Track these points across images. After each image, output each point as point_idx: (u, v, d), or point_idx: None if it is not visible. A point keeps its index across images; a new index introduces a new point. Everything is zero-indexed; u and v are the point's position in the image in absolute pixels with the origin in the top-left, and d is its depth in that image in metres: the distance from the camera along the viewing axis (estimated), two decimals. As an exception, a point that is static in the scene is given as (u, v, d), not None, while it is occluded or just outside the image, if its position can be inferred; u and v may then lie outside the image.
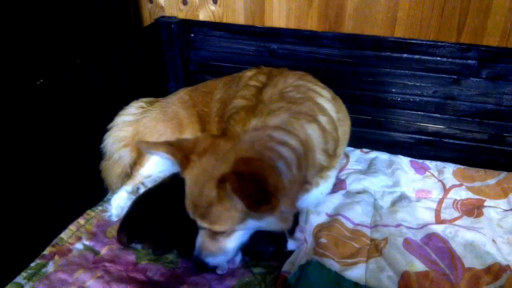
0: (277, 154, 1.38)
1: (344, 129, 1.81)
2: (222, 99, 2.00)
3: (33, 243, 1.66)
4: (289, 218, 1.45)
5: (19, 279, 1.53)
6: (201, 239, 1.47)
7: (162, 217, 1.69)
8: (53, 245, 1.70)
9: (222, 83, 2.08)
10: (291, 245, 1.62)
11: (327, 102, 1.69)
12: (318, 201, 1.86)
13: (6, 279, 1.52)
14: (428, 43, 2.09)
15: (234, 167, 1.30)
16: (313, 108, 1.60)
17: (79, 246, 1.71)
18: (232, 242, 1.47)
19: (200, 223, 1.41)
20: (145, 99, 2.18)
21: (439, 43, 2.08)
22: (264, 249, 1.62)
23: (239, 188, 1.22)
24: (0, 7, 1.61)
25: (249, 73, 1.91)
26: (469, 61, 2.07)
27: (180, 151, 1.43)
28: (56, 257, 1.65)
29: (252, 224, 1.40)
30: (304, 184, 1.55)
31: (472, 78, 2.10)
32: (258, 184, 1.25)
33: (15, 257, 1.58)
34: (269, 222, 1.41)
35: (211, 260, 1.48)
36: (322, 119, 1.61)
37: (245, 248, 1.60)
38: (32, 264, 1.60)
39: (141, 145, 1.51)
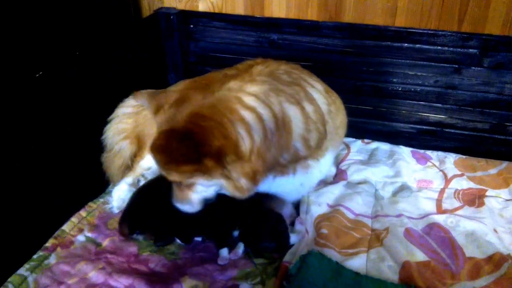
0: (238, 117, 1.37)
1: (336, 124, 1.77)
2: None
3: (35, 235, 1.66)
4: (245, 188, 1.43)
5: (22, 270, 1.54)
6: (173, 186, 1.54)
7: (162, 208, 1.69)
8: (55, 237, 1.70)
9: (221, 75, 2.07)
10: (293, 238, 1.62)
11: (317, 92, 1.66)
12: (298, 192, 1.83)
13: (9, 270, 1.53)
14: (429, 32, 2.08)
15: (184, 121, 1.34)
16: (300, 93, 1.58)
17: (81, 238, 1.72)
18: (195, 194, 1.50)
19: (162, 171, 1.46)
20: (144, 91, 2.17)
21: (440, 32, 2.07)
22: (267, 245, 1.62)
23: (160, 146, 1.30)
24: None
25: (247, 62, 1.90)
26: (470, 50, 2.06)
27: (155, 99, 1.51)
28: (58, 249, 1.66)
29: (205, 182, 1.43)
30: (274, 164, 1.53)
31: (473, 67, 2.09)
32: (188, 143, 1.28)
33: (18, 249, 1.58)
34: (219, 184, 1.45)
35: (181, 206, 1.55)
36: (308, 107, 1.58)
37: (249, 243, 1.62)
38: (35, 256, 1.61)
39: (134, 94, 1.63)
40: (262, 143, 1.40)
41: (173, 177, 1.44)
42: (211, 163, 1.33)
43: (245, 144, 1.36)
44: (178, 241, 1.68)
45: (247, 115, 1.38)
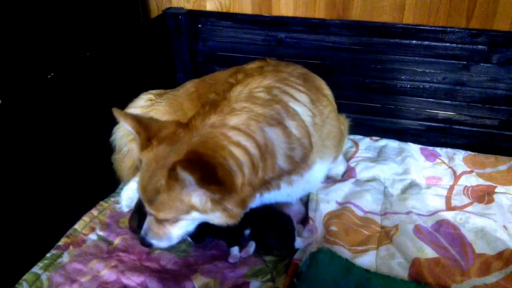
0: (228, 153, 1.37)
1: (322, 135, 1.70)
2: None
3: (48, 234, 1.69)
4: (237, 214, 1.44)
5: (36, 269, 1.57)
6: (149, 222, 1.50)
7: None
8: (68, 236, 1.73)
9: (228, 75, 2.08)
10: (298, 242, 1.62)
11: (301, 106, 1.61)
12: (287, 200, 1.78)
13: (23, 269, 1.56)
14: (438, 29, 2.07)
15: (184, 158, 1.32)
16: (280, 111, 1.53)
17: (93, 236, 1.74)
18: (177, 229, 1.49)
19: (147, 208, 1.44)
20: (154, 91, 2.19)
21: (449, 29, 2.06)
22: (273, 244, 1.63)
23: (190, 167, 1.23)
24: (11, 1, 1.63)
25: (252, 65, 1.90)
26: (479, 46, 2.05)
27: (145, 130, 1.44)
28: (71, 247, 1.68)
29: (197, 216, 1.42)
30: (260, 186, 1.52)
31: (482, 64, 2.08)
32: (208, 168, 1.28)
33: (32, 248, 1.61)
34: (214, 217, 1.42)
35: (156, 243, 1.51)
36: (290, 123, 1.54)
37: (258, 241, 1.63)
38: (48, 255, 1.63)
39: (114, 112, 1.49)
40: (250, 173, 1.42)
41: (170, 211, 1.39)
42: (228, 185, 1.33)
43: (239, 178, 1.38)
44: (189, 239, 1.70)
45: (235, 150, 1.38)
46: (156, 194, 1.36)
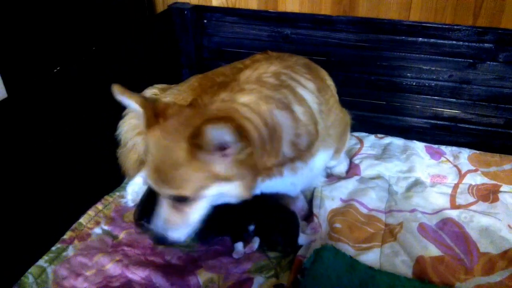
0: (241, 126, 1.30)
1: (327, 124, 1.69)
2: None
3: (53, 228, 1.70)
4: (251, 187, 1.42)
5: (41, 262, 1.58)
6: (163, 209, 1.40)
7: None
8: (73, 229, 1.73)
9: (230, 69, 2.08)
10: (302, 240, 1.61)
11: (308, 92, 1.61)
12: (290, 190, 1.78)
13: (29, 262, 1.56)
14: (444, 26, 2.06)
15: (210, 118, 1.24)
16: (288, 96, 1.52)
17: (97, 230, 1.75)
18: (196, 212, 1.41)
19: (163, 190, 1.36)
20: (158, 86, 2.19)
21: (455, 27, 2.05)
22: (277, 240, 1.63)
23: (221, 121, 1.17)
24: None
25: (253, 58, 1.90)
26: (485, 44, 2.04)
27: (151, 107, 1.37)
28: (76, 241, 1.69)
29: (216, 189, 1.36)
30: (263, 171, 1.49)
31: (488, 62, 2.07)
32: (237, 122, 1.23)
33: (37, 242, 1.62)
34: (234, 187, 1.37)
35: (173, 233, 1.41)
36: (298, 109, 1.53)
37: (262, 237, 1.63)
38: (53, 248, 1.64)
39: (114, 89, 1.38)
40: (259, 152, 1.39)
41: (191, 185, 1.31)
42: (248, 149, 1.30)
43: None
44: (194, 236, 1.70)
45: (248, 125, 1.35)
46: (175, 169, 1.29)
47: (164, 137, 1.33)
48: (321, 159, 1.74)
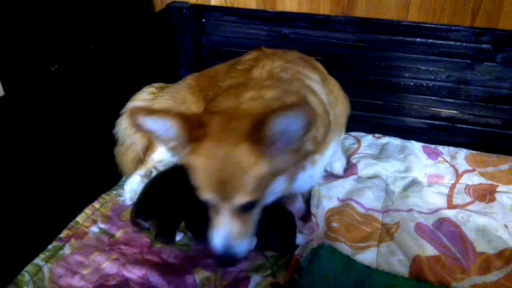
0: None
1: (336, 113, 1.71)
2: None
3: (50, 226, 1.69)
4: (294, 180, 1.44)
5: (38, 260, 1.57)
6: (226, 224, 1.32)
7: (168, 202, 1.72)
8: (69, 228, 1.73)
9: (226, 67, 2.08)
10: (299, 240, 1.61)
11: (316, 84, 1.62)
12: (308, 183, 1.80)
13: (25, 260, 1.56)
14: (442, 27, 2.07)
15: (271, 109, 1.19)
16: (302, 88, 1.53)
17: (94, 229, 1.74)
18: (255, 217, 1.38)
19: (234, 201, 1.28)
20: (156, 84, 2.19)
21: (453, 27, 2.06)
22: (274, 241, 1.63)
23: (286, 108, 1.13)
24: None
25: (248, 56, 1.90)
26: (483, 45, 2.05)
27: (189, 123, 1.27)
28: (72, 239, 1.68)
29: (274, 186, 1.34)
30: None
31: (486, 63, 2.08)
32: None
33: (34, 240, 1.61)
34: (282, 181, 1.37)
35: (240, 248, 1.35)
36: (312, 100, 1.53)
37: (259, 237, 1.62)
38: (50, 247, 1.64)
39: (137, 114, 1.23)
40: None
41: (258, 188, 1.27)
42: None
43: None
44: (190, 234, 1.70)
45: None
46: (242, 175, 1.24)
47: (218, 147, 1.25)
48: (332, 148, 1.77)
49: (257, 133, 1.19)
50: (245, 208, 1.32)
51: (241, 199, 1.28)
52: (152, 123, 1.26)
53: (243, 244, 1.38)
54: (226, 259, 1.36)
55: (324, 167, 1.88)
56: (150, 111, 1.27)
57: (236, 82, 1.52)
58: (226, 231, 1.33)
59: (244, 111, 1.32)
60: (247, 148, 1.22)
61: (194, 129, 1.27)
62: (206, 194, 1.31)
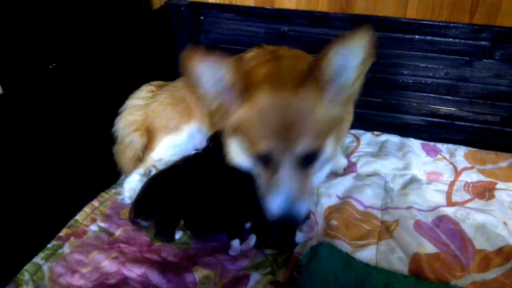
0: None
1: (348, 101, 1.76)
2: None
3: (49, 225, 1.69)
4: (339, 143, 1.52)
5: (37, 259, 1.57)
6: (289, 181, 1.24)
7: (168, 201, 1.72)
8: (69, 226, 1.73)
9: None
10: (299, 238, 1.61)
11: None
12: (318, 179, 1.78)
13: (25, 259, 1.56)
14: (441, 24, 2.06)
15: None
16: None
17: (94, 227, 1.74)
18: (313, 176, 1.34)
19: (291, 148, 1.24)
20: (155, 83, 2.19)
21: (452, 24, 2.05)
22: (274, 238, 1.63)
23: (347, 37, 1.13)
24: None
25: (250, 53, 1.89)
26: (482, 42, 2.04)
27: (243, 72, 1.26)
28: (72, 238, 1.68)
29: (329, 143, 1.34)
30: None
31: (485, 60, 2.07)
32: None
33: (33, 239, 1.61)
34: (331, 142, 1.37)
35: (302, 210, 1.27)
36: None
37: (259, 235, 1.63)
38: (49, 245, 1.63)
39: (188, 56, 1.20)
40: None
41: (321, 133, 1.26)
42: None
43: None
44: (189, 232, 1.70)
45: None
46: (302, 121, 1.22)
47: (276, 92, 1.23)
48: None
49: (315, 73, 1.17)
50: (306, 161, 1.27)
51: (305, 144, 1.23)
52: (206, 69, 1.21)
53: (304, 206, 1.29)
54: (287, 222, 1.28)
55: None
56: (206, 55, 1.20)
57: (269, 57, 1.53)
58: (288, 188, 1.25)
59: (288, 66, 1.34)
60: (307, 90, 1.21)
61: (247, 79, 1.24)
62: (266, 146, 1.25)
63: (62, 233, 1.69)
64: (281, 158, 1.26)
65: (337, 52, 1.16)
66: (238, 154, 1.47)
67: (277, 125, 1.23)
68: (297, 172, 1.27)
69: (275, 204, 1.27)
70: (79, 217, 1.78)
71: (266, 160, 1.30)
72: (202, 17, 2.42)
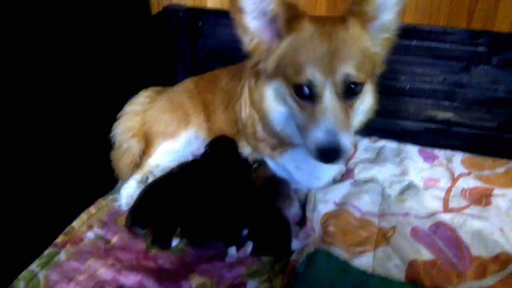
0: None
1: None
2: (226, 89, 2.01)
3: (45, 232, 1.69)
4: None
5: (33, 266, 1.56)
6: (332, 109, 1.31)
7: (165, 208, 1.72)
8: (65, 233, 1.72)
9: (226, 73, 2.08)
10: (294, 245, 1.61)
11: None
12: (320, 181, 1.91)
13: (20, 267, 1.55)
14: (438, 29, 2.07)
15: None
16: None
17: (90, 234, 1.74)
18: (355, 112, 1.45)
19: (334, 73, 1.32)
20: (153, 88, 2.20)
21: (449, 30, 2.06)
22: (270, 244, 1.63)
23: None
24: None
25: None
26: (479, 47, 2.05)
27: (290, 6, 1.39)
28: (68, 245, 1.68)
29: (368, 89, 1.51)
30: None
31: (482, 65, 2.08)
32: None
33: (29, 246, 1.61)
34: (370, 94, 1.57)
35: (345, 141, 1.31)
36: None
37: (255, 241, 1.63)
38: (45, 253, 1.63)
39: None
40: None
41: (367, 62, 1.38)
42: None
43: None
44: (186, 239, 1.70)
45: None
46: (346, 47, 1.33)
47: (322, 21, 1.38)
48: None
49: (359, 8, 1.31)
50: (348, 93, 1.35)
51: (347, 71, 1.31)
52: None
53: (348, 138, 1.33)
54: (330, 151, 1.32)
55: None
56: None
57: None
58: (332, 117, 1.32)
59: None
60: (352, 20, 1.33)
61: (293, 10, 1.36)
62: (310, 71, 1.33)
63: (58, 240, 1.69)
64: (324, 85, 1.33)
65: None
66: (274, 101, 1.54)
67: (322, 51, 1.32)
68: (340, 102, 1.34)
69: (319, 133, 1.32)
70: (75, 223, 1.77)
71: (308, 93, 1.36)
72: (200, 23, 2.43)
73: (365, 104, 1.55)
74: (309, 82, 1.35)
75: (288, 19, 1.38)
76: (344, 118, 1.34)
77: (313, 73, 1.33)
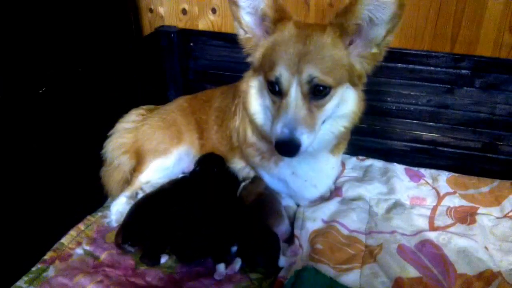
0: None
1: None
2: (220, 107, 2.04)
3: (34, 248, 1.68)
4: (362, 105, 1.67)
5: (21, 283, 1.56)
6: (294, 106, 1.39)
7: (155, 224, 1.72)
8: (54, 250, 1.72)
9: (220, 92, 2.11)
10: (282, 262, 1.62)
11: None
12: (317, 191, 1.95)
13: (7, 283, 1.55)
14: (422, 53, 2.13)
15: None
16: None
17: (79, 251, 1.74)
18: (323, 115, 1.48)
19: (307, 70, 1.38)
20: (145, 107, 2.21)
21: (433, 53, 2.12)
22: (258, 260, 1.64)
23: None
24: (5, 15, 1.65)
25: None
26: (462, 71, 2.11)
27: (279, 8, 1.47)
28: (57, 261, 1.68)
29: (344, 91, 1.50)
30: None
31: (465, 88, 2.13)
32: None
33: (16, 262, 1.60)
34: (353, 96, 1.59)
35: (304, 138, 1.38)
36: None
37: (244, 258, 1.64)
38: (33, 269, 1.63)
39: None
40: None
41: (332, 75, 1.41)
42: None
43: None
44: (175, 256, 1.70)
45: None
46: (316, 51, 1.39)
47: (304, 26, 1.46)
48: None
49: (342, 18, 1.36)
50: (314, 94, 1.41)
51: (312, 72, 1.38)
52: None
53: (308, 135, 1.40)
54: (288, 144, 1.37)
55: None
56: None
57: None
58: (292, 112, 1.40)
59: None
60: (330, 29, 1.40)
61: (281, 12, 1.46)
62: (279, 68, 1.41)
63: (47, 256, 1.69)
64: (291, 82, 1.41)
65: (364, 2, 1.32)
66: (256, 94, 1.64)
67: (294, 52, 1.41)
68: (303, 100, 1.41)
69: (279, 125, 1.40)
70: (64, 240, 1.77)
71: (278, 90, 1.45)
72: (192, 44, 2.47)
73: (348, 108, 1.59)
74: (277, 79, 1.43)
75: (275, 20, 1.48)
76: (306, 116, 1.41)
77: (281, 71, 1.42)
